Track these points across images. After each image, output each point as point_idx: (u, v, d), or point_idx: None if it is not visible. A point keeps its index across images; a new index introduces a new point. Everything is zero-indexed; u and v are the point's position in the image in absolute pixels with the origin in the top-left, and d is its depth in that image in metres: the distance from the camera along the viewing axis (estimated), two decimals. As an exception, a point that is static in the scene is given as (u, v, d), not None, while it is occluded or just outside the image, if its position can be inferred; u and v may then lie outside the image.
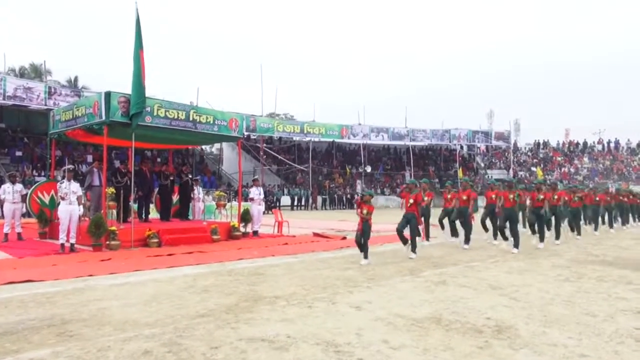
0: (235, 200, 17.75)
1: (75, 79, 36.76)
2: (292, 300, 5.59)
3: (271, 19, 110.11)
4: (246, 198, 14.78)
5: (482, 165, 46.77)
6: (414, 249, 9.26)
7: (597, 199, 15.66)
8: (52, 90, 25.48)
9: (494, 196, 11.44)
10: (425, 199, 11.34)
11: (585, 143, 49.16)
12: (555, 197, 12.51)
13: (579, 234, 13.75)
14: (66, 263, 8.19)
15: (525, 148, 51.23)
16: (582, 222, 15.07)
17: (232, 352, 3.78)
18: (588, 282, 7.09)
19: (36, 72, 34.65)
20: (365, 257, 8.38)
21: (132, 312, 4.99)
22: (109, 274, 7.18)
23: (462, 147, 46.30)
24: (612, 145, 48.22)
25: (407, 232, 9.37)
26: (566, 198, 13.44)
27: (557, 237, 12.45)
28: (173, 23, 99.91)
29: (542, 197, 11.56)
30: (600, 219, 16.20)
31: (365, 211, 8.38)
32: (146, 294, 5.86)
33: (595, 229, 15.50)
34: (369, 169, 39.64)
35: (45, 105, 24.32)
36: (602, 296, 6.09)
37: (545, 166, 45.55)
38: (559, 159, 47.13)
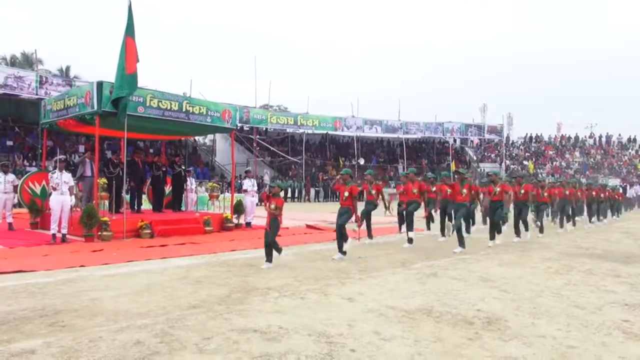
0: (228, 192, 17.73)
1: (67, 68, 36.47)
2: (285, 292, 5.61)
3: (265, 10, 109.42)
4: (239, 189, 14.76)
5: (475, 158, 46.93)
6: (340, 249, 8.18)
7: (567, 192, 14.56)
8: (44, 79, 25.22)
9: (449, 190, 10.59)
10: (372, 192, 10.45)
11: (577, 137, 49.47)
12: (522, 191, 11.72)
13: (541, 231, 12.59)
14: (58, 253, 8.16)
15: (517, 142, 51.46)
16: (550, 217, 15.00)
17: (225, 342, 3.79)
18: (577, 274, 7.17)
19: (27, 61, 34.26)
20: (269, 260, 7.30)
21: (124, 302, 4.99)
22: (101, 265, 7.17)
23: (455, 140, 46.45)
24: (603, 139, 48.56)
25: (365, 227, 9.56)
26: (534, 193, 12.71)
27: (517, 233, 11.27)
28: (166, 13, 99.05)
29: (499, 189, 10.45)
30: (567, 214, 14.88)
31: (273, 206, 7.38)
32: (138, 284, 5.86)
33: (561, 225, 14.22)
34: (362, 161, 39.66)
35: (37, 94, 24.07)
36: (591, 289, 6.17)
37: (537, 160, 45.81)
38: (550, 152, 47.40)
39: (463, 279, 6.59)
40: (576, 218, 15.59)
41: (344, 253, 8.14)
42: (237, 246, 9.43)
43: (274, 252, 7.38)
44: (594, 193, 16.61)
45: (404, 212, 10.33)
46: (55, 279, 6.10)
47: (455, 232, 9.51)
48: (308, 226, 13.61)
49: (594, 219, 16.87)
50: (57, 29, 79.15)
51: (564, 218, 14.32)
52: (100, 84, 9.76)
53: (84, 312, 4.62)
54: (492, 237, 10.34)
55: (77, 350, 3.55)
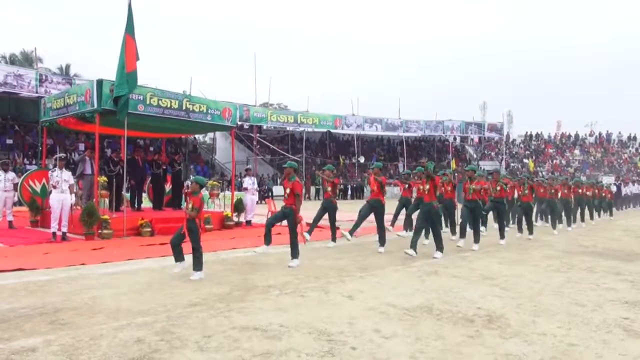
0: (228, 190, 17.72)
1: (67, 66, 36.41)
2: (285, 290, 5.61)
3: (265, 8, 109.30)
4: (239, 187, 14.75)
5: (475, 156, 46.90)
6: (295, 255, 7.25)
7: (553, 191, 13.73)
8: (43, 77, 25.17)
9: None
10: (328, 189, 9.63)
11: (577, 135, 49.44)
12: (498, 188, 10.80)
13: (530, 232, 11.56)
14: (58, 252, 8.15)
15: (517, 140, 51.42)
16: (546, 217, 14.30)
17: (225, 340, 3.79)
18: (578, 272, 7.17)
19: (27, 60, 34.21)
20: (178, 260, 6.34)
21: (124, 300, 4.99)
22: (101, 263, 7.16)
23: (455, 139, 46.40)
24: (603, 137, 48.53)
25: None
26: (518, 191, 12.12)
27: (502, 235, 10.40)
28: (166, 11, 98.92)
29: (474, 187, 9.71)
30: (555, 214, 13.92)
31: (190, 206, 6.27)
32: (139, 282, 5.86)
33: (554, 226, 13.34)
34: (362, 159, 39.63)
35: (37, 92, 24.01)
36: (591, 286, 6.17)
37: (537, 158, 45.79)
38: (550, 151, 47.38)
39: (464, 277, 6.59)
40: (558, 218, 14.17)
41: (295, 255, 7.26)
42: (237, 244, 9.42)
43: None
44: (580, 191, 15.76)
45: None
46: (55, 277, 6.10)
47: (432, 236, 8.70)
48: (308, 224, 13.58)
49: (578, 219, 15.67)
50: (57, 28, 79.09)
51: (555, 218, 13.48)
52: (100, 82, 9.75)
53: (85, 310, 4.61)
54: (476, 240, 9.42)
55: (77, 348, 3.55)
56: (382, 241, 8.95)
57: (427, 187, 8.45)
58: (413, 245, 8.19)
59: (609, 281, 6.54)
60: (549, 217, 13.99)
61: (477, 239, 9.43)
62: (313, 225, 9.51)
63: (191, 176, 12.77)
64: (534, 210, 13.20)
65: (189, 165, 11.91)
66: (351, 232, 9.41)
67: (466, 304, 5.08)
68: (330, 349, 3.65)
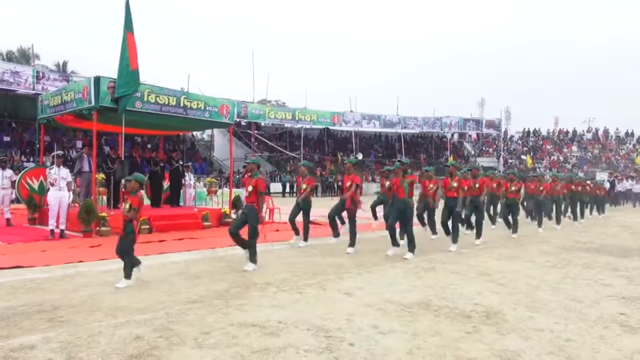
0: (226, 187, 17.72)
1: (64, 63, 36.21)
2: (283, 287, 5.63)
3: (263, 5, 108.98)
4: (237, 184, 14.74)
5: (473, 152, 46.94)
6: (253, 259, 6.72)
7: (542, 188, 13.02)
8: (41, 74, 25.09)
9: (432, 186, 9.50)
10: (304, 186, 9.19)
11: (574, 131, 49.51)
12: (477, 185, 9.99)
13: (514, 230, 11.13)
14: (56, 249, 8.15)
15: (515, 136, 51.49)
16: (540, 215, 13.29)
17: (224, 337, 3.80)
18: (575, 268, 7.20)
19: (24, 57, 34.07)
20: (127, 276, 5.56)
21: (122, 298, 5.00)
22: (99, 260, 7.16)
23: (453, 135, 46.43)
24: (600, 133, 48.62)
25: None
26: (504, 188, 11.59)
27: (478, 235, 9.91)
28: (164, 8, 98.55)
29: (432, 186, 9.32)
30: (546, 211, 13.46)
31: (127, 206, 5.65)
32: (137, 280, 5.86)
33: (539, 224, 12.57)
34: (360, 156, 39.59)
35: (34, 89, 23.95)
36: (588, 282, 6.19)
37: (535, 154, 45.85)
38: (548, 147, 47.45)
39: (461, 273, 6.61)
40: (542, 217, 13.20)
41: (253, 259, 6.77)
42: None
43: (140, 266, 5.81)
44: (573, 187, 14.92)
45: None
46: (53, 274, 6.10)
47: (405, 235, 8.25)
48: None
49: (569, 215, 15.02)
50: (54, 24, 78.76)
51: (541, 216, 12.75)
52: (97, 79, 9.72)
53: (83, 307, 4.62)
54: (455, 241, 8.94)
55: (76, 346, 3.56)
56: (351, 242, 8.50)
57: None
58: (394, 244, 8.07)
59: (605, 277, 6.57)
60: (536, 214, 13.24)
61: (454, 239, 8.93)
62: (292, 226, 9.17)
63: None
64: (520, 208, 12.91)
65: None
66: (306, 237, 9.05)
67: (463, 300, 5.10)
68: (328, 345, 3.67)
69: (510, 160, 44.26)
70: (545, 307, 4.91)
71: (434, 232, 10.12)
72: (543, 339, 3.91)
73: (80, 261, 7.00)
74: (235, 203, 12.91)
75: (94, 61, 70.09)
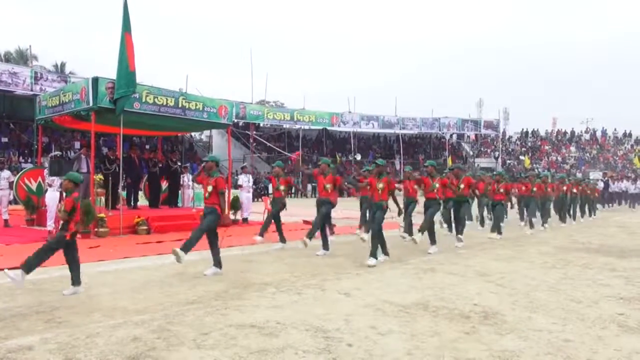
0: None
1: (62, 64, 36.17)
2: (282, 287, 5.62)
3: (262, 5, 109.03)
4: (235, 185, 14.73)
5: (471, 153, 46.99)
6: (217, 264, 6.37)
7: (535, 189, 12.60)
8: (39, 75, 25.08)
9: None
10: (281, 187, 9.04)
11: (572, 132, 49.58)
12: (462, 185, 9.64)
13: (499, 232, 10.75)
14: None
15: (514, 137, 51.54)
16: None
17: (222, 338, 3.80)
18: (573, 268, 7.20)
19: (22, 57, 34.02)
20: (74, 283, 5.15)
21: (120, 299, 4.99)
22: (98, 261, 7.15)
23: (451, 136, 46.47)
24: (598, 134, 48.69)
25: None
26: (490, 188, 11.28)
27: (458, 235, 9.47)
28: (162, 8, 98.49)
29: (437, 185, 8.87)
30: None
31: (62, 207, 5.25)
32: (135, 281, 5.85)
33: (531, 225, 12.19)
34: (359, 157, 39.65)
35: (32, 90, 23.93)
36: (587, 283, 6.20)
37: (534, 155, 45.90)
38: (546, 147, 47.51)
39: (460, 274, 6.62)
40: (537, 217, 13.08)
41: (218, 265, 6.43)
42: (233, 242, 9.40)
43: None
44: (565, 188, 14.54)
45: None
46: (51, 275, 6.08)
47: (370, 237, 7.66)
48: (305, 222, 13.59)
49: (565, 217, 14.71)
50: (52, 25, 78.65)
51: (530, 217, 12.36)
52: (95, 80, 9.71)
53: (81, 308, 4.61)
54: (433, 242, 8.60)
55: (74, 347, 3.55)
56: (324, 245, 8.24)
57: (381, 185, 7.41)
58: (383, 250, 7.62)
59: (604, 277, 6.57)
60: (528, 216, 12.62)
61: (432, 241, 8.68)
62: (265, 227, 9.06)
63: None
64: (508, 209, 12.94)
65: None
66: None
67: (462, 301, 5.10)
68: (326, 345, 3.66)
69: (508, 161, 44.29)
70: (543, 307, 4.91)
71: (410, 233, 9.60)
72: (542, 339, 3.91)
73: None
74: (234, 204, 12.91)
75: (92, 62, 69.96)
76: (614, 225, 14.87)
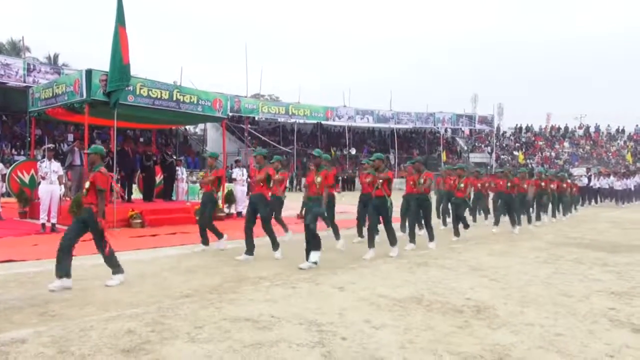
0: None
1: (56, 56, 35.81)
2: (276, 281, 5.63)
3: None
4: (229, 179, 14.71)
5: (466, 148, 47.09)
6: (116, 269, 5.43)
7: (509, 185, 11.51)
8: (31, 67, 24.80)
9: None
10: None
11: (566, 128, 49.79)
12: (422, 181, 8.66)
13: (456, 233, 9.77)
14: (47, 243, 8.06)
15: (508, 132, 51.68)
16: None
17: (216, 331, 3.81)
18: (565, 263, 7.26)
19: (14, 49, 33.67)
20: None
21: (114, 292, 4.99)
22: (91, 254, 7.10)
23: (446, 131, 46.54)
24: (592, 130, 48.91)
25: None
26: (451, 183, 10.46)
27: (430, 238, 8.71)
28: (155, 1, 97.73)
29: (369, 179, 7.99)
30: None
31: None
32: (129, 274, 5.82)
33: (512, 223, 11.28)
34: (353, 151, 39.65)
35: (24, 82, 23.67)
36: (578, 277, 6.25)
37: (527, 150, 46.08)
38: (540, 143, 47.69)
39: (453, 268, 6.65)
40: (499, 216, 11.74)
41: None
42: (228, 236, 9.39)
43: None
44: (543, 185, 13.44)
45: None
46: (45, 268, 6.05)
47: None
48: (299, 216, 13.58)
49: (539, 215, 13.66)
50: (45, 16, 77.85)
51: (513, 214, 11.38)
52: (89, 72, 9.65)
53: (75, 301, 4.60)
54: (393, 243, 7.65)
55: (67, 340, 3.55)
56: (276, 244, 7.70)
57: (319, 179, 6.93)
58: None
59: (595, 272, 6.63)
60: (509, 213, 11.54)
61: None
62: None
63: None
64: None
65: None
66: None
67: (455, 295, 5.13)
68: (320, 339, 3.68)
69: (502, 156, 44.44)
70: (535, 302, 4.95)
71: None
72: (533, 333, 3.95)
73: (72, 255, 6.94)
74: (228, 198, 12.89)
75: (85, 54, 69.38)
76: (605, 221, 14.99)
